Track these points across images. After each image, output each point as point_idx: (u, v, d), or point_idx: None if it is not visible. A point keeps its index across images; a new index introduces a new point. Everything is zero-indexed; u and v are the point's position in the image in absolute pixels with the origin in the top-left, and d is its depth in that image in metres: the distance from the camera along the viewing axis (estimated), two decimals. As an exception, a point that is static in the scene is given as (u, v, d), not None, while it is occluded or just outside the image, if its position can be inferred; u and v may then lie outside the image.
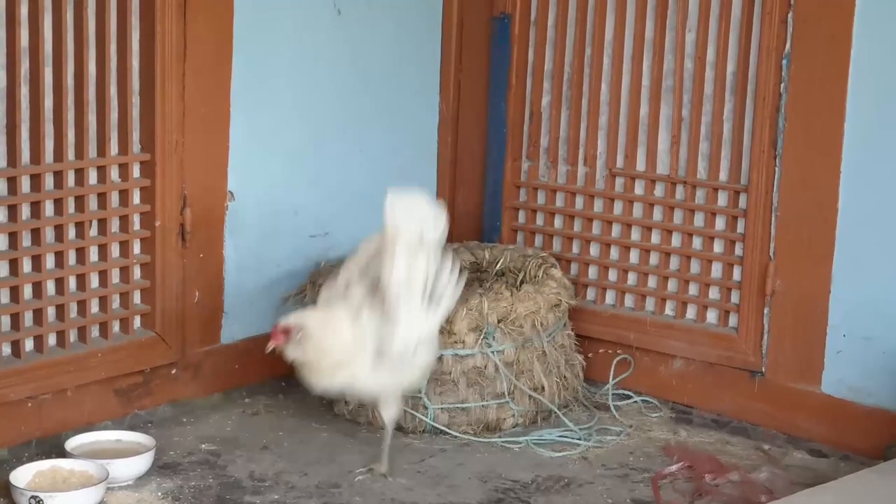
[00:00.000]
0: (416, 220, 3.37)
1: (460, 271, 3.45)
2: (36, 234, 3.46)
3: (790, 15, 3.68)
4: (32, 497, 3.12)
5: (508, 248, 4.19)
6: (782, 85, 3.71)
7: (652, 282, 4.03)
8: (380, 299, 3.32)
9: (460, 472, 3.49)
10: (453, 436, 3.70)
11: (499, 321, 3.72)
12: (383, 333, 3.31)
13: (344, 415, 3.80)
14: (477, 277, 4.19)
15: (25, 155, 3.41)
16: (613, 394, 3.99)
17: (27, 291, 3.46)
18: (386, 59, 4.19)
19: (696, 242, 3.94)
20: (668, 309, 4.01)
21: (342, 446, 3.63)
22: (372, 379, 3.35)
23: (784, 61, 3.70)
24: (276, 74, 3.90)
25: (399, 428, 3.72)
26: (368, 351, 3.31)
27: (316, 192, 4.08)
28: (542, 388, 3.79)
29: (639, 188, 4.04)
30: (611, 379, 4.02)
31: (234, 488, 3.34)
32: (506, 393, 3.73)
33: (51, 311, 3.52)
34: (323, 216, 4.11)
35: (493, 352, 3.72)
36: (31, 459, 3.34)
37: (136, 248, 3.66)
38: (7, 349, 3.46)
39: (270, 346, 3.31)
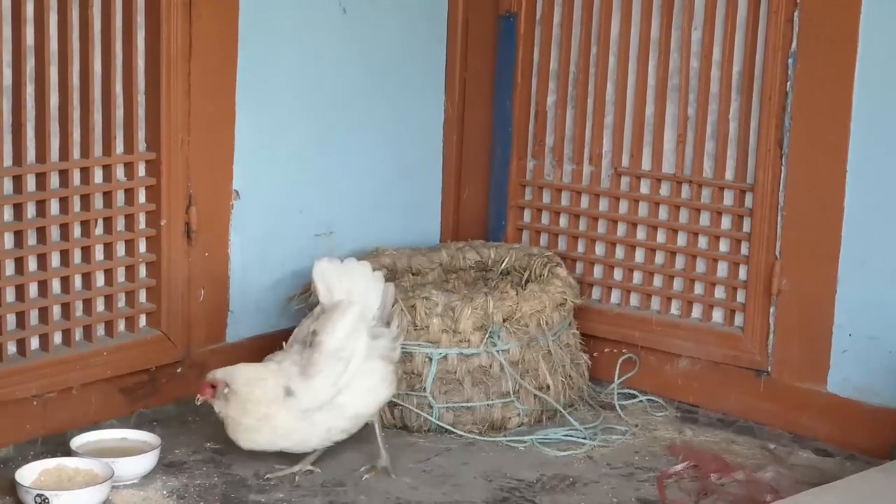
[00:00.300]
0: (346, 290, 3.40)
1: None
2: (41, 233, 3.46)
3: (796, 14, 3.67)
4: (38, 495, 3.12)
5: (514, 247, 4.19)
6: (788, 84, 3.71)
7: (657, 281, 4.03)
8: (307, 353, 3.33)
9: (465, 471, 3.49)
10: (458, 435, 3.70)
11: (504, 320, 3.72)
12: (296, 386, 3.30)
13: (349, 414, 3.81)
14: (482, 276, 4.20)
15: (31, 153, 3.42)
16: (619, 393, 3.98)
17: (32, 290, 3.47)
18: (391, 57, 4.19)
19: (702, 241, 3.94)
20: (674, 308, 4.01)
21: (347, 444, 3.62)
22: (293, 432, 3.33)
23: (790, 60, 3.70)
24: (281, 73, 3.90)
25: (404, 427, 3.72)
26: (285, 403, 3.30)
27: (321, 191, 4.08)
28: (548, 387, 3.79)
29: (644, 187, 4.03)
30: (616, 378, 4.02)
31: (239, 487, 3.34)
32: (511, 392, 3.73)
33: (56, 310, 3.52)
34: (328, 215, 4.11)
35: (498, 351, 3.72)
36: (36, 458, 3.35)
37: (142, 246, 3.66)
38: (12, 347, 3.46)
39: (199, 399, 3.33)
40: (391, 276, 4.11)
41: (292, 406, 3.29)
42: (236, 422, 3.32)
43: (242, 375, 3.32)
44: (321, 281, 3.41)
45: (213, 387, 3.31)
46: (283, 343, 3.49)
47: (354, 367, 3.34)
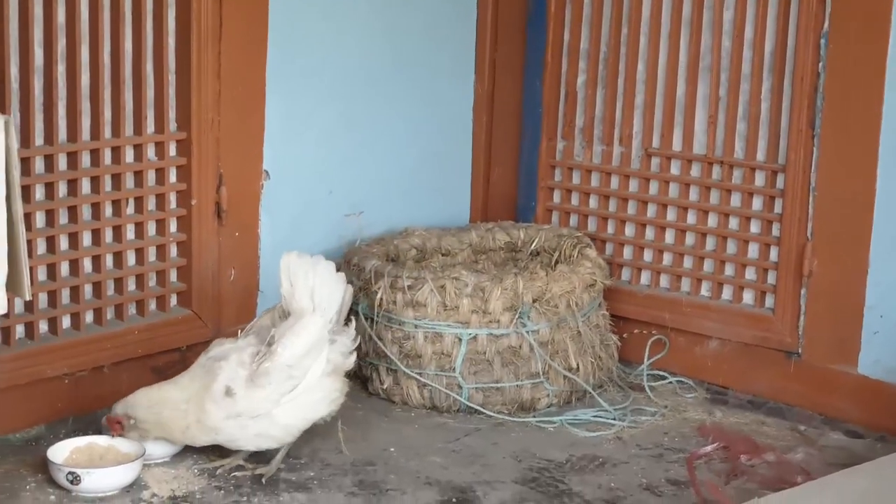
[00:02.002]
0: (309, 287, 3.30)
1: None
2: (73, 212, 3.47)
3: (829, -6, 3.66)
4: (70, 473, 3.14)
5: (543, 228, 4.18)
6: (820, 64, 3.69)
7: (688, 262, 4.02)
8: (260, 359, 3.24)
9: (495, 452, 3.50)
10: (488, 415, 3.70)
11: (534, 301, 3.72)
12: (239, 390, 3.21)
13: (379, 393, 3.81)
14: (511, 257, 4.20)
15: (62, 133, 3.43)
16: (648, 374, 3.98)
17: (64, 269, 3.49)
18: (421, 38, 4.19)
19: (733, 223, 3.92)
20: (704, 289, 4.00)
21: (377, 424, 3.64)
22: (222, 430, 3.25)
23: (822, 40, 3.68)
24: (311, 54, 3.90)
25: (433, 407, 3.73)
26: (222, 401, 3.22)
27: (350, 172, 4.08)
28: (577, 368, 3.79)
29: (675, 168, 4.02)
30: (645, 359, 4.01)
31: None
32: (540, 373, 3.73)
33: (88, 289, 3.54)
34: (357, 196, 4.11)
35: (527, 331, 3.71)
36: (67, 436, 3.36)
37: (173, 226, 3.68)
38: (44, 326, 3.48)
39: (113, 436, 3.26)
40: (420, 256, 4.12)
41: (227, 406, 3.21)
42: (168, 437, 3.26)
43: (142, 403, 3.24)
44: (285, 274, 3.31)
45: (119, 422, 3.24)
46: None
47: (301, 389, 3.25)
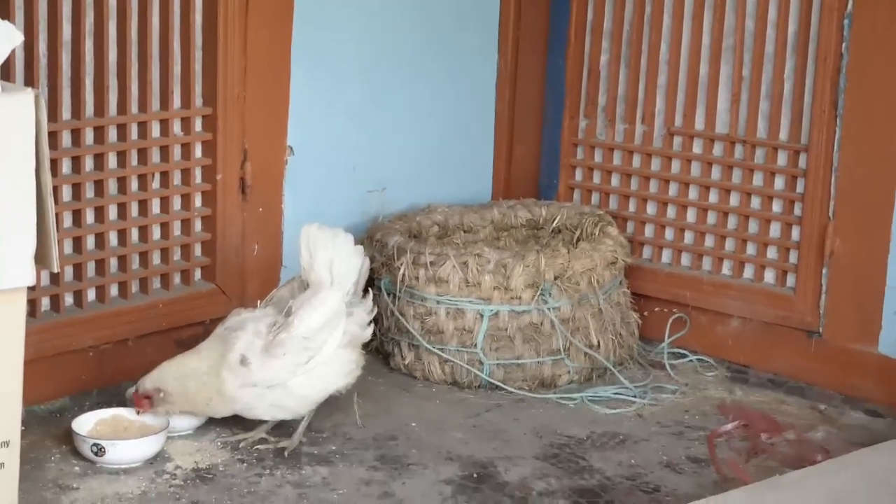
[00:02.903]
0: (328, 259, 3.33)
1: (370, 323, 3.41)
2: (99, 186, 3.49)
3: (853, -27, 3.66)
4: (94, 444, 3.16)
5: (565, 206, 4.19)
6: (844, 45, 3.69)
7: (709, 241, 4.03)
8: (277, 329, 3.26)
9: (516, 427, 3.52)
10: (508, 391, 3.72)
11: (555, 278, 3.73)
12: (254, 360, 3.23)
13: (400, 369, 3.83)
14: (533, 235, 4.21)
15: (89, 107, 3.45)
16: (669, 352, 3.99)
17: (90, 242, 3.51)
18: (445, 15, 4.19)
19: (755, 202, 3.93)
20: (726, 268, 4.01)
21: (398, 400, 3.66)
22: (238, 399, 3.27)
23: (846, 21, 3.68)
24: (336, 30, 3.91)
25: (454, 383, 3.75)
26: (237, 370, 3.24)
27: (374, 148, 4.09)
28: (598, 345, 3.80)
29: (697, 147, 4.03)
30: (666, 337, 4.03)
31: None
32: (561, 350, 3.75)
33: (113, 262, 3.56)
34: (381, 172, 4.13)
35: (549, 308, 3.73)
36: (92, 408, 3.39)
37: (198, 201, 3.70)
38: (70, 299, 3.51)
39: (139, 412, 3.28)
40: (443, 232, 4.14)
41: (242, 375, 3.23)
42: (193, 409, 3.29)
43: (170, 375, 3.26)
44: (305, 245, 3.34)
45: (148, 397, 3.26)
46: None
47: (316, 362, 3.27)
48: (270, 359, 3.24)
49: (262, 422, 3.36)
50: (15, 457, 2.72)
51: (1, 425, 2.68)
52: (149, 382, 3.27)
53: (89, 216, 3.50)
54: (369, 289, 3.48)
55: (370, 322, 3.41)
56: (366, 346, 3.46)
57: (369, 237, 3.94)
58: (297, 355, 3.25)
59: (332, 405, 3.51)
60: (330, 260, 3.33)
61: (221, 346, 3.27)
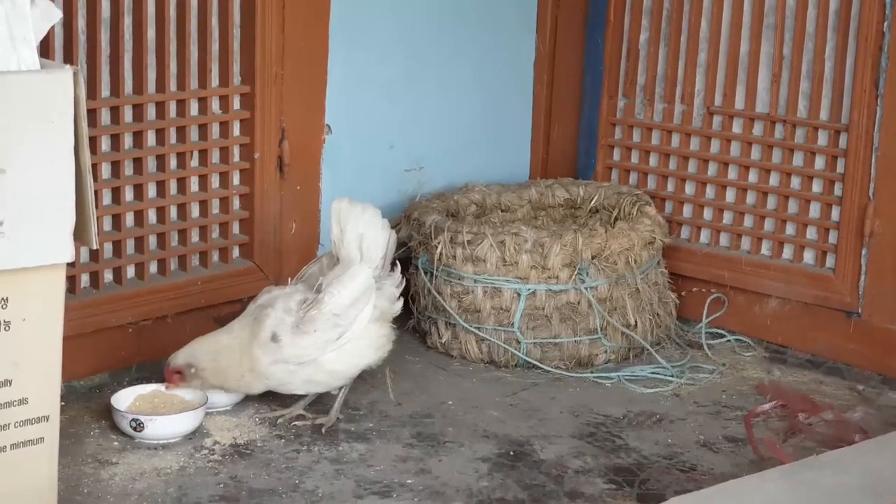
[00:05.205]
0: (358, 234, 3.34)
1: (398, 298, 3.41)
2: (138, 164, 3.51)
3: (895, -49, 3.63)
4: (133, 419, 3.19)
5: (603, 186, 4.19)
6: (885, 24, 3.66)
7: (748, 221, 4.01)
8: (308, 306, 3.26)
9: (552, 406, 3.52)
10: (545, 370, 3.72)
11: (593, 257, 3.73)
12: (285, 336, 3.24)
13: (437, 347, 3.84)
14: (571, 214, 4.20)
15: (128, 85, 3.46)
16: (706, 332, 3.98)
17: (129, 220, 3.53)
18: (484, -6, 4.20)
19: (795, 182, 3.91)
20: (765, 248, 3.99)
21: (435, 378, 3.67)
22: (271, 374, 3.28)
23: (888, 0, 3.65)
24: (374, 8, 3.91)
25: (491, 361, 3.75)
26: (268, 346, 3.24)
27: (411, 127, 4.10)
28: (635, 324, 3.80)
29: (737, 126, 4.01)
30: (704, 317, 4.01)
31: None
32: (598, 329, 3.74)
33: (152, 240, 3.58)
34: (418, 151, 4.13)
35: (586, 288, 3.73)
36: (131, 384, 3.41)
37: (236, 179, 3.71)
38: (109, 276, 3.53)
39: (169, 387, 3.30)
40: (480, 211, 4.14)
41: (273, 351, 3.24)
42: (225, 385, 3.30)
43: (202, 350, 3.28)
44: (336, 219, 3.35)
45: (179, 372, 3.28)
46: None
47: (347, 338, 3.28)
48: (301, 335, 3.25)
49: (299, 398, 3.37)
50: (55, 432, 2.74)
51: (41, 400, 2.70)
52: (181, 358, 3.29)
53: (129, 194, 3.51)
54: (397, 262, 3.49)
55: (399, 296, 3.42)
56: (402, 324, 3.46)
57: (406, 216, 3.94)
58: (327, 332, 3.26)
59: (368, 383, 3.53)
60: (360, 235, 3.35)
61: (253, 323, 3.28)
